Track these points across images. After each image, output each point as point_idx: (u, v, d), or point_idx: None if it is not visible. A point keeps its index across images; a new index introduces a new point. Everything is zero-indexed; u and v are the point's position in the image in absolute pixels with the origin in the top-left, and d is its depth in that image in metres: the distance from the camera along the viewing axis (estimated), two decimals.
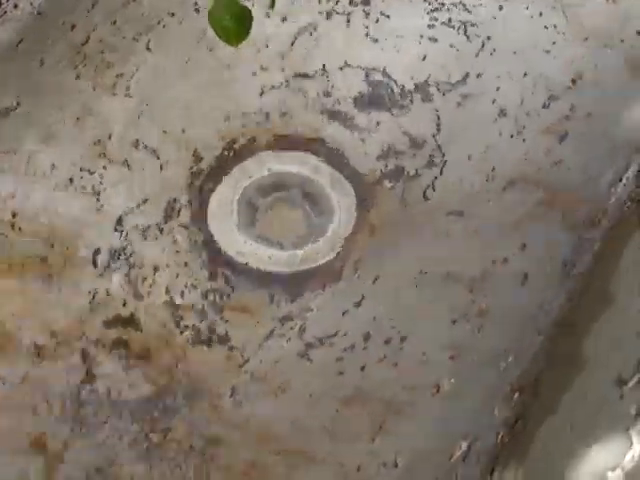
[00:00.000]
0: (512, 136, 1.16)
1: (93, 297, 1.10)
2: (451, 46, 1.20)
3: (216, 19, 0.96)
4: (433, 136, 1.16)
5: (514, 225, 1.13)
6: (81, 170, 1.13)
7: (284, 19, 1.18)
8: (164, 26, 1.17)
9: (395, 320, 1.10)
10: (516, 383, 1.07)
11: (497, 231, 1.12)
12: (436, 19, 1.20)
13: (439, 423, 1.08)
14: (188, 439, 1.07)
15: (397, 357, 1.09)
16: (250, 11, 0.92)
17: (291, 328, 1.10)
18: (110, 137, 1.13)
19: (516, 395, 1.07)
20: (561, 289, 1.10)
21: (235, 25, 0.98)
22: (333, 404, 1.08)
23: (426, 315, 1.09)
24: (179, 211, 1.12)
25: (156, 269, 1.11)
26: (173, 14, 1.18)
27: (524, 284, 1.10)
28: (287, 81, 1.16)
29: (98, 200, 1.12)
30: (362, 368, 1.08)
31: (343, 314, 1.10)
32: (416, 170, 1.13)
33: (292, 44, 1.19)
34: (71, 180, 1.12)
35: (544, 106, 1.17)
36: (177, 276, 1.11)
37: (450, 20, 1.21)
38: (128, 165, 1.12)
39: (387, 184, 1.13)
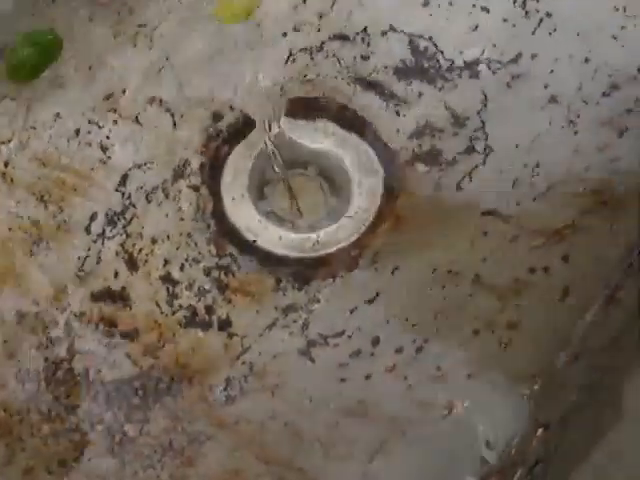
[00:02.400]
0: (563, 127, 0.89)
1: (82, 265, 0.83)
2: (505, 20, 0.91)
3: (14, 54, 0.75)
4: (478, 114, 0.89)
5: (557, 231, 0.87)
6: (89, 123, 0.89)
7: None
8: None
9: (410, 325, 0.83)
10: (541, 417, 0.78)
11: (537, 236, 0.86)
12: None
13: (447, 451, 0.82)
14: (167, 435, 0.81)
15: (408, 369, 0.83)
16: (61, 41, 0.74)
17: (294, 321, 0.86)
18: (124, 91, 0.89)
19: (539, 431, 0.79)
20: (605, 314, 0.83)
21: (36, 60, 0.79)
22: (331, 414, 0.85)
23: (446, 323, 0.83)
24: (189, 175, 0.86)
25: (156, 238, 0.84)
26: None
27: (563, 300, 0.82)
28: (322, 43, 0.86)
29: (104, 154, 0.83)
30: (367, 377, 0.83)
31: (352, 311, 0.85)
32: (454, 156, 0.84)
33: (334, 3, 0.87)
34: (77, 132, 0.87)
35: (604, 95, 0.89)
36: (178, 247, 0.85)
37: None
38: (139, 122, 0.84)
39: (420, 168, 0.84)
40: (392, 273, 0.84)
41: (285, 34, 0.90)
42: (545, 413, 0.82)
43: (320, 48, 0.90)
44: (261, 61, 0.90)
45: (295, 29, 0.90)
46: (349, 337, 0.82)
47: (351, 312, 0.83)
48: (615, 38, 0.89)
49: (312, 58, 0.90)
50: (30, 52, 0.84)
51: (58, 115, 0.87)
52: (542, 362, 0.81)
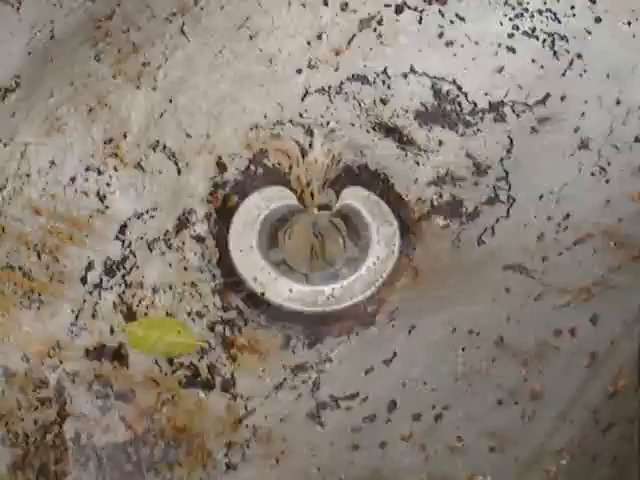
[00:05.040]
0: (593, 174, 0.77)
1: (76, 319, 0.71)
2: (533, 61, 0.81)
3: None
4: (501, 161, 0.76)
5: (584, 289, 0.75)
6: (87, 170, 0.78)
7: (344, 7, 0.75)
8: (202, 8, 0.78)
9: (429, 390, 0.71)
10: None
11: (563, 294, 0.74)
12: (517, 27, 0.81)
13: None
14: None
15: (426, 438, 0.71)
16: None
17: (304, 381, 0.74)
18: (126, 135, 0.76)
19: None
20: (636, 380, 0.69)
21: None
22: None
23: (468, 389, 0.71)
24: (194, 224, 0.73)
25: (157, 289, 0.72)
26: None
27: (591, 366, 0.70)
28: (341, 84, 0.73)
29: (102, 203, 0.72)
30: (382, 445, 0.71)
31: (367, 372, 0.73)
32: (475, 207, 0.71)
33: (351, 39, 0.76)
34: (73, 179, 0.74)
35: (636, 140, 0.77)
36: (181, 299, 0.74)
37: (534, 30, 0.81)
38: (142, 168, 0.74)
39: (439, 220, 0.72)
40: (410, 332, 0.73)
41: (300, 71, 0.80)
42: None
43: (339, 88, 0.79)
44: (272, 101, 0.79)
45: (311, 66, 0.80)
46: (363, 400, 0.71)
47: (366, 373, 0.72)
48: None
49: (331, 100, 0.79)
50: None
51: (53, 162, 0.77)
52: (569, 434, 0.69)
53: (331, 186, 0.76)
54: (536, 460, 0.69)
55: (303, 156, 0.76)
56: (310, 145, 0.76)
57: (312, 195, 0.75)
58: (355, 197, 0.75)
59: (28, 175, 0.74)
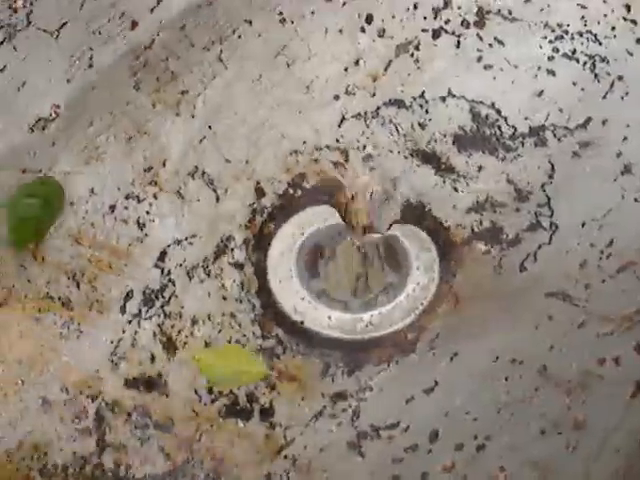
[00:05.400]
0: (637, 200, 0.76)
1: (115, 349, 0.71)
2: (574, 84, 0.79)
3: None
4: (542, 187, 0.75)
5: (628, 317, 0.73)
6: (127, 198, 0.78)
7: (382, 33, 0.73)
8: (240, 36, 0.79)
9: (471, 419, 0.69)
10: None
11: (607, 323, 0.72)
12: (557, 50, 0.79)
13: None
14: None
15: (468, 468, 0.70)
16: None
17: (344, 410, 0.72)
18: (165, 163, 0.77)
19: None
20: None
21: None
22: None
23: (510, 418, 0.70)
24: (232, 251, 0.73)
25: (196, 318, 0.71)
26: (251, 22, 0.76)
27: (635, 396, 0.68)
28: (377, 109, 0.72)
29: (141, 231, 0.71)
30: (423, 476, 0.70)
31: (408, 401, 0.72)
32: (517, 234, 0.70)
33: (388, 64, 0.75)
34: (112, 208, 0.74)
35: None
36: (220, 330, 0.72)
37: (574, 52, 0.79)
38: (181, 195, 0.72)
39: (479, 246, 0.71)
40: (451, 360, 0.71)
41: (337, 97, 0.79)
42: None
43: (376, 113, 0.78)
44: (310, 127, 0.78)
45: (348, 92, 0.79)
46: (404, 430, 0.70)
47: (407, 402, 0.70)
48: None
49: (367, 125, 0.78)
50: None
51: (93, 190, 0.77)
52: (614, 465, 0.67)
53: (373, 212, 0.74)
54: None
55: (343, 177, 0.74)
56: (347, 168, 0.74)
57: (357, 215, 0.74)
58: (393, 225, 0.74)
59: (71, 204, 0.73)
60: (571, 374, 0.68)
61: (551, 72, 0.77)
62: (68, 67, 0.77)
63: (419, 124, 0.77)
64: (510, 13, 0.75)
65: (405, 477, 0.68)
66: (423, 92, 0.77)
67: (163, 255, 0.74)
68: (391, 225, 0.74)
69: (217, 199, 0.75)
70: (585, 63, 0.78)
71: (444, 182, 0.74)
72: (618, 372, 0.68)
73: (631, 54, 0.77)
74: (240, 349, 0.71)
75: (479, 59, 0.75)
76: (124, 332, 0.72)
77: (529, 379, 0.69)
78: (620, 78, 0.77)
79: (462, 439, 0.68)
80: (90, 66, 0.77)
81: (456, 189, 0.74)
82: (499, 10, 0.75)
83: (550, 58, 0.77)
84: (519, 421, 0.68)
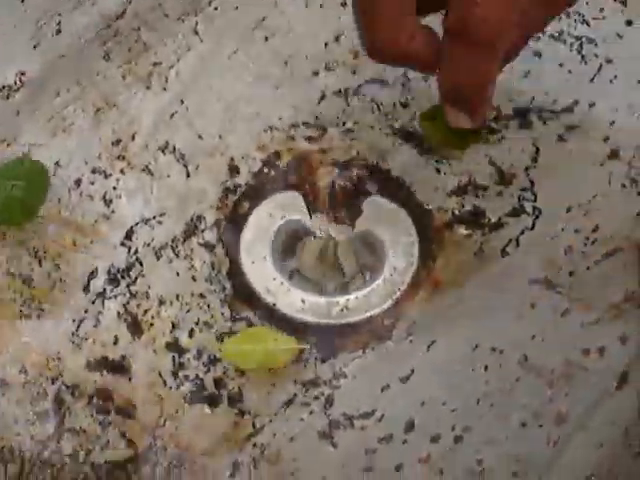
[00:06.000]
0: (624, 186, 0.72)
1: (78, 329, 0.66)
2: (560, 65, 0.76)
3: None
4: (526, 171, 0.73)
5: (615, 306, 0.70)
6: (93, 172, 0.74)
7: None
8: (216, 8, 0.76)
9: (449, 410, 0.66)
10: None
11: (591, 311, 0.69)
12: (544, 30, 0.73)
13: None
14: None
15: (445, 460, 0.66)
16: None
17: (316, 398, 0.68)
18: (134, 137, 0.73)
19: None
20: None
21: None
22: None
23: (490, 410, 0.66)
24: (203, 231, 0.67)
25: (164, 299, 0.67)
26: None
27: (621, 388, 0.64)
28: (358, 86, 0.68)
29: (108, 208, 0.66)
30: (397, 467, 0.66)
31: (383, 390, 0.68)
32: (499, 218, 0.66)
33: None
34: (78, 183, 0.70)
35: None
36: (188, 310, 0.68)
37: (561, 33, 0.77)
38: (150, 171, 0.68)
39: (460, 230, 0.67)
40: (429, 347, 0.67)
41: (317, 73, 0.75)
42: None
43: (357, 90, 0.74)
44: (287, 104, 0.74)
45: (328, 68, 0.75)
46: (379, 419, 0.66)
47: (382, 391, 0.66)
48: None
49: (348, 103, 0.74)
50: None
51: (58, 163, 0.72)
52: (599, 459, 0.64)
53: (349, 194, 0.70)
54: None
55: (321, 161, 0.70)
56: (326, 149, 0.70)
57: (328, 203, 0.70)
58: (372, 205, 0.69)
59: None
60: (554, 364, 0.64)
61: (537, 53, 0.74)
62: (34, 33, 0.73)
63: (401, 103, 0.73)
64: None
65: (379, 469, 0.64)
66: (405, 71, 0.73)
67: (130, 233, 0.69)
68: (365, 208, 0.70)
69: (188, 175, 0.71)
70: (572, 45, 0.75)
71: (426, 163, 0.70)
72: (603, 363, 0.65)
73: (620, 36, 0.74)
74: (264, 329, 0.67)
75: None
76: (87, 312, 0.67)
77: (510, 369, 0.65)
78: (609, 61, 0.74)
79: (439, 430, 0.64)
80: (58, 32, 0.73)
81: (438, 170, 0.70)
82: None
83: (536, 39, 0.73)
84: (499, 412, 0.64)
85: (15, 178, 0.66)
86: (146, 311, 0.69)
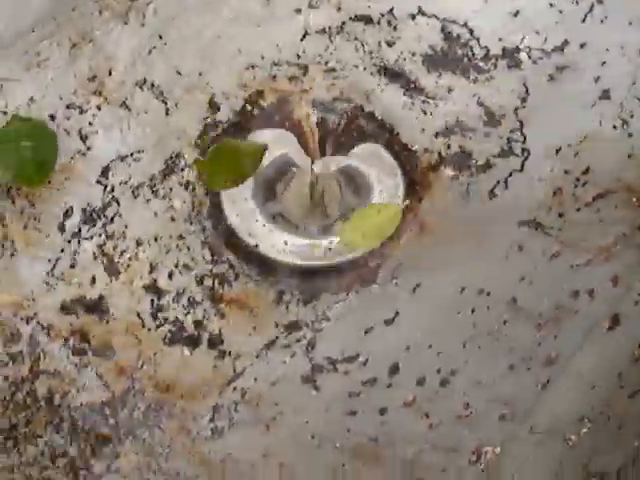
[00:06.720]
0: (615, 127, 0.70)
1: (53, 269, 0.63)
2: (551, 5, 0.72)
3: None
4: (515, 111, 0.70)
5: (604, 248, 0.68)
6: (68, 107, 0.70)
7: None
8: None
9: (435, 353, 0.63)
10: (592, 466, 0.59)
11: (582, 253, 0.67)
12: None
13: None
14: (140, 473, 0.63)
15: (430, 404, 0.64)
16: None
17: (298, 340, 0.66)
18: (110, 72, 0.70)
19: None
20: None
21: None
22: (337, 454, 0.64)
23: (477, 353, 0.63)
24: (182, 169, 0.63)
25: (141, 240, 0.64)
26: None
27: (612, 329, 0.62)
28: (342, 24, 0.67)
29: (84, 144, 0.63)
30: (382, 411, 0.64)
31: (367, 332, 0.66)
32: (487, 159, 0.64)
33: None
34: (52, 118, 0.67)
35: None
36: (167, 251, 0.66)
37: None
38: (127, 107, 0.65)
39: (447, 172, 0.65)
40: (414, 290, 0.65)
41: (299, 11, 0.71)
42: (598, 462, 0.63)
43: (340, 29, 0.71)
44: (269, 42, 0.71)
45: (311, 5, 0.72)
46: (362, 363, 0.63)
47: (366, 333, 0.64)
48: None
49: (331, 41, 0.71)
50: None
51: (32, 99, 0.69)
52: (590, 402, 0.61)
53: (333, 135, 0.67)
54: (554, 429, 0.61)
55: (303, 100, 0.67)
56: (310, 87, 0.67)
57: (314, 141, 0.67)
58: (357, 146, 0.67)
59: (4, 113, 0.65)
60: (542, 307, 0.62)
61: None
62: None
63: (386, 42, 0.70)
64: None
65: (362, 413, 0.62)
66: (392, 9, 0.70)
67: (106, 171, 0.66)
68: (353, 147, 0.67)
69: (167, 112, 0.68)
70: None
71: (412, 103, 0.68)
72: (593, 305, 0.62)
73: None
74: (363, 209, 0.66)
75: None
76: (62, 251, 0.64)
77: (497, 312, 0.63)
78: (600, 1, 0.71)
79: (424, 373, 0.62)
80: None
81: (424, 111, 0.68)
82: None
83: None
84: (486, 356, 0.62)
85: (25, 137, 0.63)
86: (123, 252, 0.66)
